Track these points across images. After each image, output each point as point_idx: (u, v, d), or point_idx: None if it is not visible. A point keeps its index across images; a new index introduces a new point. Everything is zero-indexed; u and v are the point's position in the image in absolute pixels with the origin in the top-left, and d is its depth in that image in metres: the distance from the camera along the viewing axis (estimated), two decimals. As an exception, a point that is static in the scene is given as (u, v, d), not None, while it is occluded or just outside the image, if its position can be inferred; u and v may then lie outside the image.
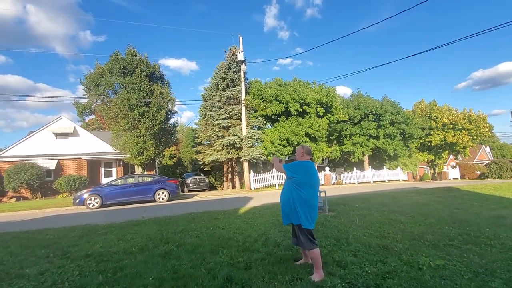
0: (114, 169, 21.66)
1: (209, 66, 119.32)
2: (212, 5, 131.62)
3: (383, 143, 24.37)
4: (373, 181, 24.59)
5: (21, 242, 5.16)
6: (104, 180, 20.37)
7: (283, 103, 19.71)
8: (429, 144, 30.16)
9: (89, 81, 18.84)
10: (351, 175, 23.96)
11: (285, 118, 20.56)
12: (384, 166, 26.31)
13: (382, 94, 58.53)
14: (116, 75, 18.15)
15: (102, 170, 21.44)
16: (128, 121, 17.67)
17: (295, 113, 19.99)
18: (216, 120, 20.23)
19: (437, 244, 4.14)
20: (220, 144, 19.68)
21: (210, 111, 20.92)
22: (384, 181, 25.38)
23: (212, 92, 21.22)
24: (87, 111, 20.88)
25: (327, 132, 22.00)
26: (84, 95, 19.67)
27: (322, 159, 24.60)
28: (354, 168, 24.45)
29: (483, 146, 45.92)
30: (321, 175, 22.00)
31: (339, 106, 22.52)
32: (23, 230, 6.29)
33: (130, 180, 12.84)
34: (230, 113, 20.13)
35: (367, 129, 23.62)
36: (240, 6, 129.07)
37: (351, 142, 24.01)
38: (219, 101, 20.48)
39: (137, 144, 17.81)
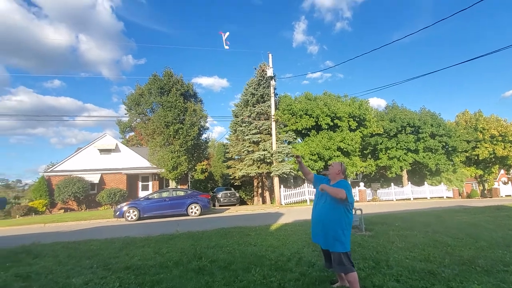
0: (150, 183, 22.72)
1: (240, 82, 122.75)
2: (243, 24, 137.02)
3: (423, 157, 22.85)
4: (413, 198, 22.96)
5: (69, 252, 5.55)
6: (141, 194, 21.41)
7: (313, 117, 19.51)
8: (476, 158, 27.71)
9: (130, 101, 20.33)
10: (389, 191, 22.62)
11: (315, 132, 20.26)
12: (426, 182, 24.52)
13: (420, 106, 55.36)
14: (154, 94, 19.40)
15: (140, 184, 22.59)
16: (164, 138, 18.60)
17: (326, 127, 19.64)
18: (247, 135, 20.53)
19: (490, 270, 3.71)
20: (251, 159, 19.84)
21: (241, 126, 21.32)
22: (426, 198, 23.59)
23: (242, 108, 21.70)
24: (127, 129, 22.43)
25: (360, 146, 21.22)
26: (125, 114, 21.22)
27: (356, 174, 23.64)
28: (392, 184, 23.08)
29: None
30: (355, 191, 21.09)
31: (372, 119, 21.73)
32: (70, 240, 6.77)
33: (165, 194, 13.35)
34: (260, 128, 20.34)
35: (405, 142, 22.37)
36: (270, 24, 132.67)
37: (387, 156, 22.85)
38: (249, 116, 20.85)
39: (171, 159, 18.60)
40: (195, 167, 27.06)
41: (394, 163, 22.59)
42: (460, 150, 24.87)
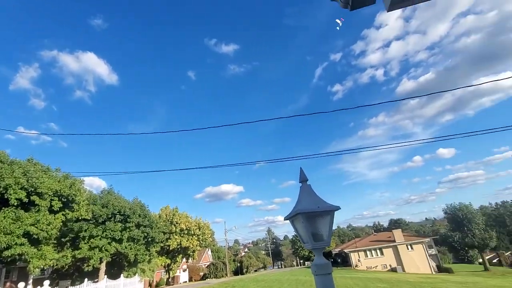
0: None
1: None
2: None
3: (126, 247, 23.02)
4: (106, 294, 21.31)
5: None
6: None
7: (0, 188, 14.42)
8: (168, 248, 32.35)
9: None
10: (80, 290, 19.52)
11: (-4, 209, 14.69)
12: (122, 275, 24.13)
13: (134, 195, 59.27)
14: None
15: None
16: None
17: (15, 203, 14.97)
18: None
19: None
20: None
21: None
22: (119, 292, 22.80)
23: None
24: None
25: (59, 233, 17.80)
26: None
27: (43, 269, 18.65)
28: (86, 279, 20.31)
29: (207, 249, 55.89)
30: (33, 293, 16.18)
31: (83, 202, 19.66)
32: None
33: None
34: None
35: (112, 231, 21.75)
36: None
37: (89, 245, 20.65)
38: None
39: None
40: None
41: (95, 254, 20.65)
42: (157, 240, 28.02)
